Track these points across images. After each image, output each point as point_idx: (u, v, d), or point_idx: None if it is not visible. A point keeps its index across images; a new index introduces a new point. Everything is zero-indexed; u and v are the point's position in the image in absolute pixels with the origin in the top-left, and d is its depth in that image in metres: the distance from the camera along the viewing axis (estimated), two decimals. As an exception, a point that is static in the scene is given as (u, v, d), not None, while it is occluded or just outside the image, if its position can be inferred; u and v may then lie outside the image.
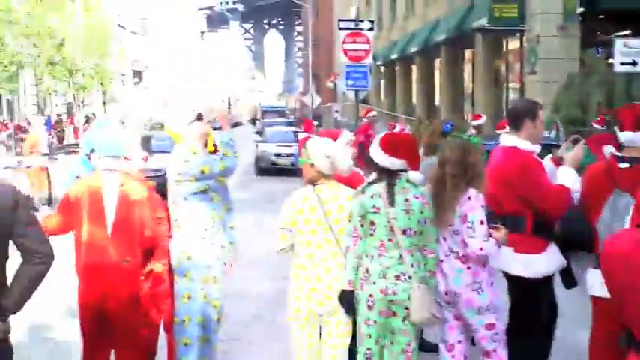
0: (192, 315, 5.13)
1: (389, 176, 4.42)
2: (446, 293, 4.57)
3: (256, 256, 9.05)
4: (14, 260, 3.58)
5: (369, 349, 4.45)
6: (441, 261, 4.56)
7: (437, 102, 28.94)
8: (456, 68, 26.08)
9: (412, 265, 4.34)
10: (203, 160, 5.11)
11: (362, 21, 20.14)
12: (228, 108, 11.79)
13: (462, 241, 4.47)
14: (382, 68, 37.97)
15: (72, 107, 32.59)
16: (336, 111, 31.36)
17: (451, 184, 4.52)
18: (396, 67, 34.79)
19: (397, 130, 15.93)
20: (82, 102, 34.95)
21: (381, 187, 4.39)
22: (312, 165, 4.59)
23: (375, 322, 4.38)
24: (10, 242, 3.56)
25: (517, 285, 4.93)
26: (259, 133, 26.53)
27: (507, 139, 4.98)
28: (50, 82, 29.75)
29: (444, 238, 4.57)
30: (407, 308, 4.32)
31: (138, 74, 61.03)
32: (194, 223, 5.13)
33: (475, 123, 14.20)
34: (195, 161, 5.07)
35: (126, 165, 5.17)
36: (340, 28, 19.73)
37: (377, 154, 4.48)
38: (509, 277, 4.98)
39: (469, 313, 4.54)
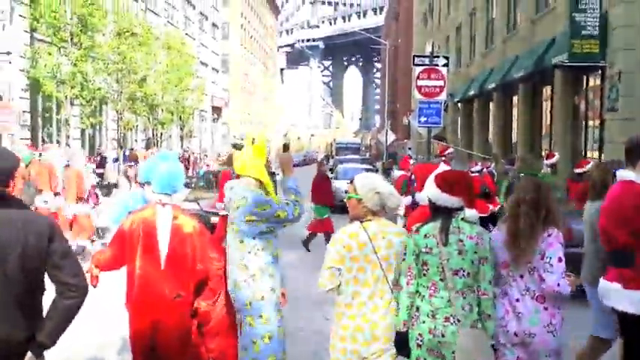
0: (277, 353, 4.97)
1: (444, 214, 4.35)
2: (516, 334, 4.41)
3: (317, 293, 8.90)
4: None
5: None
6: (516, 300, 4.43)
7: (514, 139, 28.37)
8: (534, 105, 25.51)
9: (463, 308, 4.22)
10: (281, 205, 4.98)
11: (437, 57, 19.88)
12: (285, 149, 11.42)
13: (539, 277, 4.36)
14: (459, 105, 37.59)
15: (151, 142, 33.43)
16: (409, 148, 31.17)
17: (525, 222, 4.42)
18: (474, 104, 34.39)
19: (477, 168, 15.59)
20: (161, 137, 35.82)
21: (434, 227, 4.33)
22: (359, 200, 4.44)
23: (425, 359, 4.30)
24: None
25: (625, 322, 4.93)
26: (331, 169, 26.49)
27: (624, 173, 5.01)
28: (130, 117, 30.58)
29: (521, 276, 4.45)
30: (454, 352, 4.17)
31: (217, 110, 62.34)
32: (262, 263, 4.96)
33: (549, 162, 13.76)
34: (274, 206, 4.92)
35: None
36: (415, 64, 19.49)
37: (432, 191, 4.43)
38: (618, 314, 4.98)
39: (542, 354, 4.41)
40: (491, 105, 31.36)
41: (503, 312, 4.43)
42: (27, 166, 12.88)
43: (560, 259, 4.30)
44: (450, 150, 17.17)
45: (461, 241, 4.25)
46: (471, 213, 4.71)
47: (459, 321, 4.17)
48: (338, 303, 4.44)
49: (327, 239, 14.75)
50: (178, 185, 5.05)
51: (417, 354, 4.28)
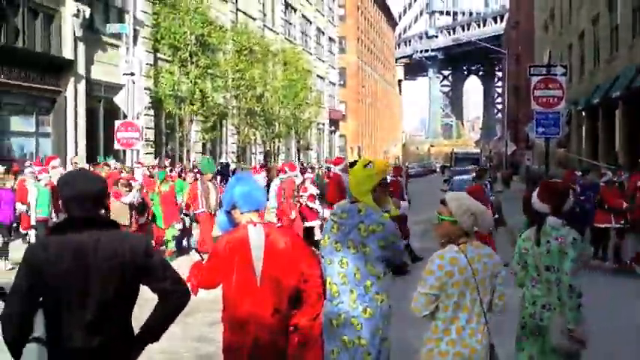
0: None
1: (539, 219, 5.17)
2: None
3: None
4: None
5: None
6: None
7: (641, 149, 27.00)
8: (662, 113, 24.23)
9: (559, 298, 4.96)
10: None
11: (554, 66, 19.21)
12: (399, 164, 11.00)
13: None
14: (583, 113, 36.20)
15: (269, 155, 34.14)
16: (528, 159, 30.24)
17: None
18: (599, 112, 33.02)
19: (605, 178, 14.48)
20: (278, 150, 36.51)
21: (532, 230, 5.21)
22: (453, 222, 4.28)
23: (528, 338, 5.19)
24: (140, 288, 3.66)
25: None
26: (447, 181, 25.98)
27: None
28: (249, 131, 31.33)
29: None
30: None
31: (335, 123, 62.89)
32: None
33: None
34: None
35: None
36: (531, 74, 18.91)
37: (534, 198, 5.28)
38: None
39: None
40: (617, 113, 30.00)
41: None
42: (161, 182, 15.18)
43: None
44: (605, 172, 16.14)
45: (548, 242, 5.06)
46: (552, 220, 5.14)
47: (554, 309, 4.99)
48: (434, 328, 4.28)
49: None
50: (261, 199, 5.12)
51: (521, 333, 5.23)
